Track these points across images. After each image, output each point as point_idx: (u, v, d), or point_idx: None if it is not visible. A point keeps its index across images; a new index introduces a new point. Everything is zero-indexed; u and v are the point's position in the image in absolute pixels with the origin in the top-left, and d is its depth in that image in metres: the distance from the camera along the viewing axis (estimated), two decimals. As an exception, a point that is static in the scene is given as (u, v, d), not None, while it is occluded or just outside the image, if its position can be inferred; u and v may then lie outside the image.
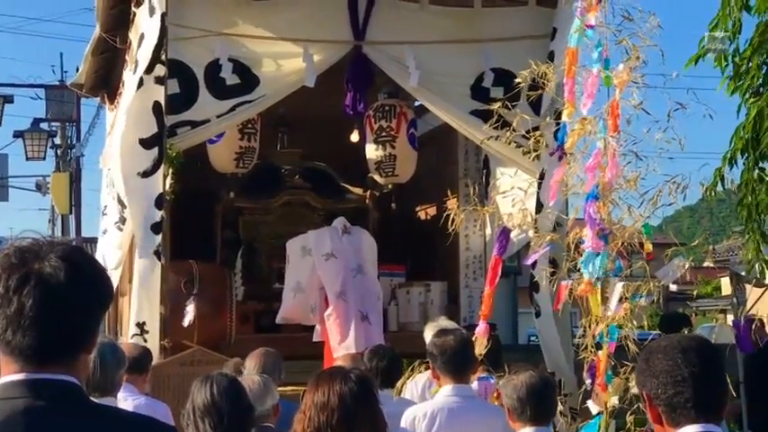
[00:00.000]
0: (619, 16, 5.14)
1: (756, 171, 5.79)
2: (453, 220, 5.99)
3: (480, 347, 5.72)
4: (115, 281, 8.01)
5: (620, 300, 4.77)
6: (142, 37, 7.39)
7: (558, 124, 5.79)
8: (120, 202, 7.55)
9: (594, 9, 5.03)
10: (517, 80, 5.94)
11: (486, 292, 6.34)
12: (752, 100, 5.74)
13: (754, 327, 7.80)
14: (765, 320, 8.18)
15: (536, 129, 6.58)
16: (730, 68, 6.06)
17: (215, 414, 3.37)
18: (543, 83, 5.73)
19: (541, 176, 7.33)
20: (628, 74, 4.85)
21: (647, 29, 4.95)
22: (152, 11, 7.27)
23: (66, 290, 1.85)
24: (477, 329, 5.91)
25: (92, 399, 1.98)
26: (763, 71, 5.81)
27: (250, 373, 4.95)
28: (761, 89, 5.85)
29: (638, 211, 5.02)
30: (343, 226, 8.04)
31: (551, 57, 7.21)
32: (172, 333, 7.32)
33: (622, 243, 4.88)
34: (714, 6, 6.17)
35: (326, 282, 7.76)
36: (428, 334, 5.79)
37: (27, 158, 19.92)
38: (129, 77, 7.61)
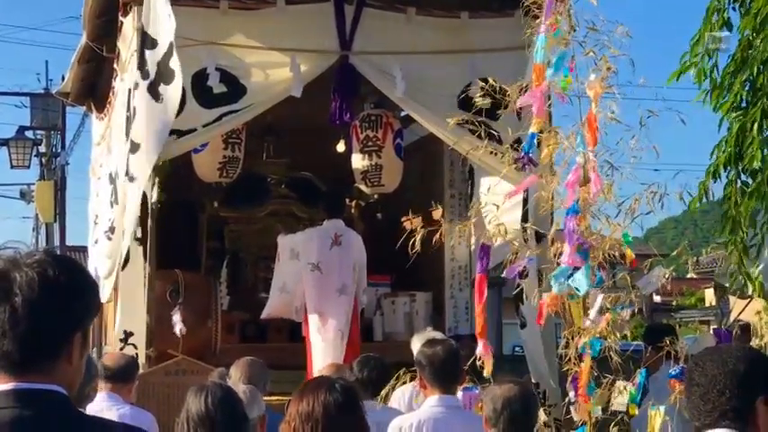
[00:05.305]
0: (584, 28, 5.10)
1: (739, 184, 5.83)
2: (439, 230, 5.96)
3: (488, 367, 5.64)
4: (106, 290, 8.02)
5: (601, 311, 4.76)
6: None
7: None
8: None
9: (553, 19, 4.97)
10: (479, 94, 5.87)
11: (477, 311, 6.29)
12: (734, 115, 5.78)
13: (734, 334, 7.86)
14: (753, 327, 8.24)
15: (519, 141, 6.58)
16: (707, 83, 6.10)
17: (209, 424, 3.38)
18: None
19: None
20: (601, 85, 4.83)
21: (617, 38, 4.91)
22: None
23: (39, 299, 1.87)
24: (478, 350, 5.84)
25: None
26: (746, 88, 5.85)
27: (235, 382, 4.92)
28: (743, 104, 5.89)
29: (616, 220, 5.01)
30: (334, 236, 8.06)
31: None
32: (157, 342, 7.32)
33: (603, 254, 4.87)
34: (685, 20, 6.21)
35: (308, 297, 7.86)
36: (415, 345, 5.77)
37: (11, 166, 19.85)
38: (120, 86, 7.61)
